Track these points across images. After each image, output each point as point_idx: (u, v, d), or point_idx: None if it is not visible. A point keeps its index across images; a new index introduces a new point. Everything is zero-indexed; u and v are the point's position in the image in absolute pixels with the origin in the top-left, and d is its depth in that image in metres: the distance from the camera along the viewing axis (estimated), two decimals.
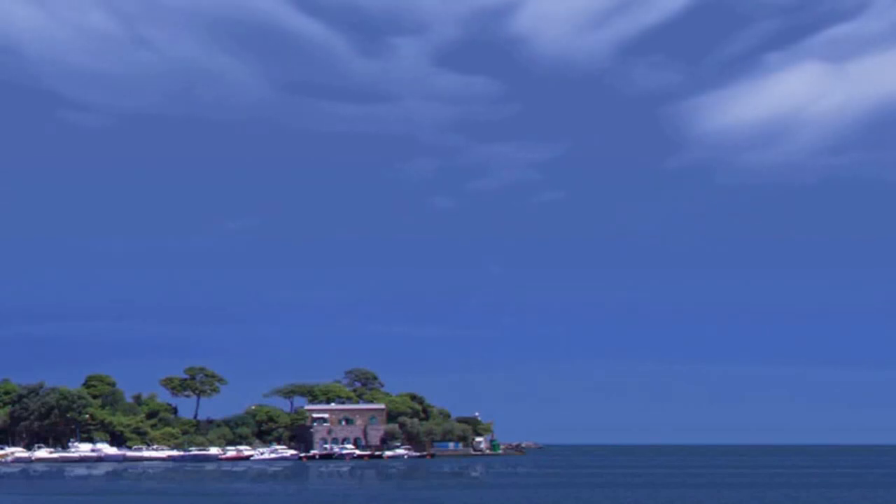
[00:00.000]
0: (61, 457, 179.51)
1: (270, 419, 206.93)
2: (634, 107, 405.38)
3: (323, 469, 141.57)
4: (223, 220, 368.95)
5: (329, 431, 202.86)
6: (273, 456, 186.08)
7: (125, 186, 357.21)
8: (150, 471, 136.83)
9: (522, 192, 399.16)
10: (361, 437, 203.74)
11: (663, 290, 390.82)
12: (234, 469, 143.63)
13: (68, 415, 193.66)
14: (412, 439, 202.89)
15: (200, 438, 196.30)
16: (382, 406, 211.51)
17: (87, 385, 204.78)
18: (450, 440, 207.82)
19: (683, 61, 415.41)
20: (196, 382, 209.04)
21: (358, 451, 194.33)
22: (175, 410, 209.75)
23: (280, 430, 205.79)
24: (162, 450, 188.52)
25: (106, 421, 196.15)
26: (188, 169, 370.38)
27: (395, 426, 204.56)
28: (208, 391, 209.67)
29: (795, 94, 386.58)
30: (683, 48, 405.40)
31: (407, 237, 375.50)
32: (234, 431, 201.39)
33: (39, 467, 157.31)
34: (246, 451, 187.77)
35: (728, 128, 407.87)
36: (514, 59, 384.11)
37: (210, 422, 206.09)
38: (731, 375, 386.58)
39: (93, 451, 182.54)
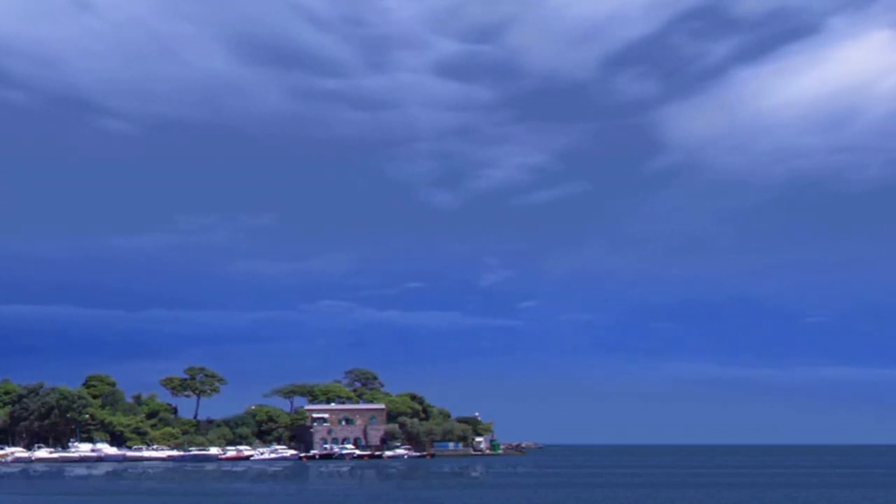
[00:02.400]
0: (61, 457, 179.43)
1: (270, 419, 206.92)
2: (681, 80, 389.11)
3: (323, 469, 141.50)
4: (238, 217, 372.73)
5: (329, 431, 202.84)
6: (273, 456, 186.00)
7: (145, 186, 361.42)
8: (150, 471, 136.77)
9: (517, 191, 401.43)
10: (361, 437, 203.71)
11: (663, 290, 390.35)
12: (234, 469, 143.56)
13: (68, 415, 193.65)
14: (412, 439, 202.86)
15: (200, 438, 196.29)
16: (382, 406, 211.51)
17: (87, 385, 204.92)
18: (450, 440, 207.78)
19: (727, 27, 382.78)
20: (196, 382, 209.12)
21: (358, 451, 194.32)
22: (175, 410, 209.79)
23: (280, 430, 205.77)
24: (162, 450, 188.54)
25: (106, 421, 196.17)
26: (207, 169, 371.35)
27: (395, 426, 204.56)
28: (208, 391, 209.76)
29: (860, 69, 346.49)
30: (725, 12, 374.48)
31: (407, 234, 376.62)
32: (234, 431, 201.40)
33: (39, 467, 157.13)
34: (246, 451, 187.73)
35: (780, 108, 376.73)
36: (509, 70, 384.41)
37: (210, 422, 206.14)
38: (732, 375, 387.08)
39: (93, 451, 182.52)
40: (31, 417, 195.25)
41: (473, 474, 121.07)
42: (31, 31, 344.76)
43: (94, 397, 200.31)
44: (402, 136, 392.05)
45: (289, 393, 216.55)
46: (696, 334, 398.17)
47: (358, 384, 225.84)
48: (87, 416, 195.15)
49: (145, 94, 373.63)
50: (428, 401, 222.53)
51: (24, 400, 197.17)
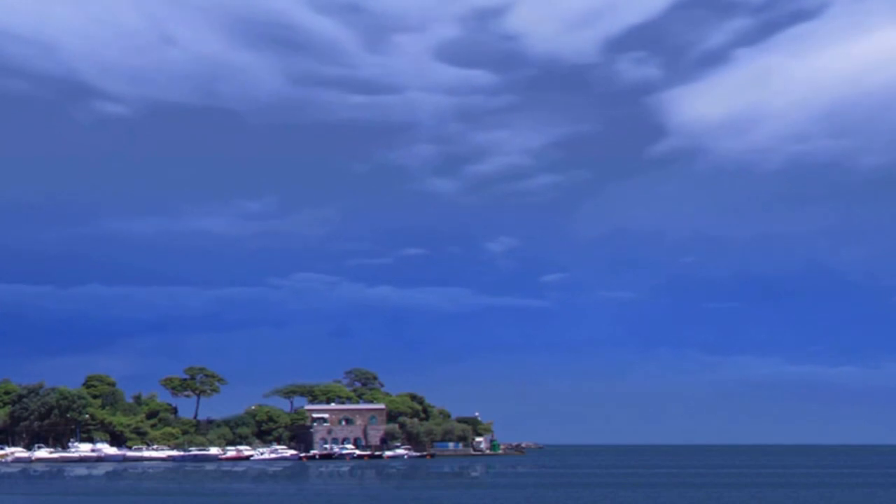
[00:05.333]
0: (61, 457, 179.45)
1: (270, 419, 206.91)
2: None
3: (323, 469, 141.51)
4: (238, 201, 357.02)
5: (329, 431, 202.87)
6: (273, 456, 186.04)
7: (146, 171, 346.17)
8: (150, 471, 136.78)
9: (517, 176, 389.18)
10: (361, 437, 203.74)
11: (657, 285, 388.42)
12: (234, 469, 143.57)
13: (68, 415, 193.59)
14: (412, 439, 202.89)
15: (200, 438, 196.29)
16: (382, 406, 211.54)
17: (87, 385, 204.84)
18: (450, 440, 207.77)
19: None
20: (196, 382, 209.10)
21: (358, 451, 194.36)
22: (175, 410, 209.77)
23: (280, 430, 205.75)
24: (162, 450, 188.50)
25: (106, 421, 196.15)
26: (204, 154, 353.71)
27: (395, 426, 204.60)
28: (208, 391, 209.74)
29: None
30: None
31: (409, 220, 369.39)
32: (234, 431, 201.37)
33: (39, 467, 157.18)
34: (246, 451, 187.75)
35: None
36: (509, 54, 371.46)
37: (210, 422, 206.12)
38: (732, 375, 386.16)
39: (93, 451, 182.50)
40: (31, 417, 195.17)
41: (473, 474, 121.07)
42: (29, 15, 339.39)
43: (94, 397, 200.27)
44: (402, 122, 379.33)
45: (289, 393, 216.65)
46: (759, 318, 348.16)
47: (358, 384, 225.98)
48: (87, 416, 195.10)
49: (142, 77, 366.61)
50: (428, 401, 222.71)
51: (24, 400, 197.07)
